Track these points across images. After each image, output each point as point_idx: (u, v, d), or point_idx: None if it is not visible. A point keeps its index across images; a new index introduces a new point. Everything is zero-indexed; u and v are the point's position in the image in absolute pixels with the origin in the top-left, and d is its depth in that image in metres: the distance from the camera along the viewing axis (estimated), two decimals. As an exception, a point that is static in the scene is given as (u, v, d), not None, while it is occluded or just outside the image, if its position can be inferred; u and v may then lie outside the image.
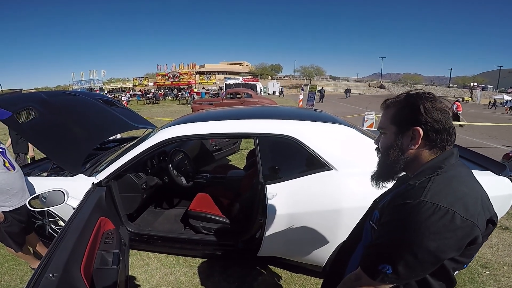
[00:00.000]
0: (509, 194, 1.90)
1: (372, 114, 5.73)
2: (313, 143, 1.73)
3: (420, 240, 0.61)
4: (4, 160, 1.83)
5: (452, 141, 0.75)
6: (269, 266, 2.24)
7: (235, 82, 29.02)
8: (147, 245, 2.21)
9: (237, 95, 12.85)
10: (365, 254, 0.77)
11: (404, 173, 0.81)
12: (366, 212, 0.94)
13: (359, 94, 43.40)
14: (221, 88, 29.16)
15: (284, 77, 67.00)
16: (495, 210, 0.72)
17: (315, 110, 2.47)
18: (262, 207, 1.74)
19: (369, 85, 57.79)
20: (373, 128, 4.87)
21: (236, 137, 2.73)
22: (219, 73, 51.16)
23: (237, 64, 69.30)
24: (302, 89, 26.55)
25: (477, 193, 0.68)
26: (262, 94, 29.62)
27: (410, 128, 0.73)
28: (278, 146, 1.83)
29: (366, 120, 5.61)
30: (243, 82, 29.27)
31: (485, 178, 1.86)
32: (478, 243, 0.65)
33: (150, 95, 24.72)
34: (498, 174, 1.94)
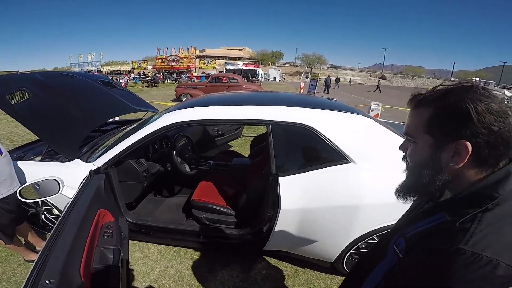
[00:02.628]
0: None
1: (378, 105, 5.58)
2: (330, 133, 1.60)
3: (449, 286, 0.52)
4: None
5: (509, 154, 0.57)
6: (274, 260, 2.17)
7: (235, 67, 28.55)
8: (147, 236, 2.11)
9: (223, 80, 12.63)
10: None
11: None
12: (391, 231, 0.81)
13: (359, 84, 42.95)
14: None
15: (285, 64, 66.22)
16: None
17: (328, 98, 2.33)
18: (273, 200, 1.63)
19: (370, 76, 57.20)
20: (378, 119, 4.74)
21: (248, 124, 2.60)
22: (220, 58, 50.42)
23: (237, 49, 68.18)
24: (306, 77, 24.86)
25: None
26: (263, 80, 29.22)
27: (454, 141, 0.56)
28: (292, 136, 1.70)
29: (372, 111, 5.47)
30: (244, 67, 28.79)
31: None
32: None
33: (148, 78, 24.20)
34: None
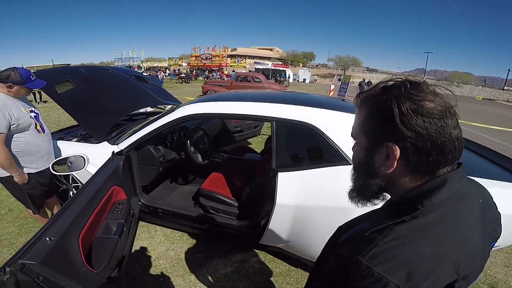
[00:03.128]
0: None
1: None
2: (333, 133, 1.62)
3: None
4: (36, 123, 1.94)
5: (448, 161, 0.52)
6: (270, 256, 2.24)
7: (264, 67, 28.73)
8: (156, 218, 2.30)
9: (247, 79, 13.07)
10: None
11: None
12: (332, 235, 0.78)
13: (396, 89, 40.59)
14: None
15: (316, 65, 64.97)
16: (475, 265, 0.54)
17: (342, 100, 2.34)
18: (271, 194, 1.70)
19: (409, 81, 53.80)
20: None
21: (252, 119, 2.70)
22: (250, 57, 51.04)
23: (267, 49, 68.29)
24: (339, 79, 23.44)
25: (452, 253, 0.50)
26: (291, 81, 29.00)
27: (383, 144, 0.53)
28: (295, 133, 1.75)
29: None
30: (272, 67, 28.83)
31: None
32: None
33: (182, 75, 25.41)
34: None
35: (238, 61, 39.08)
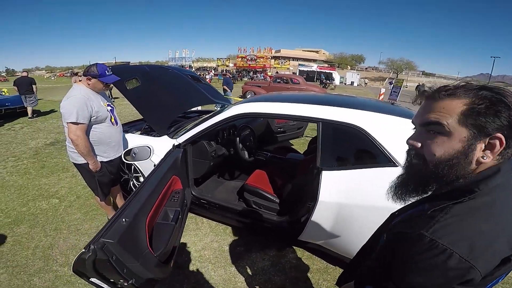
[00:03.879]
0: None
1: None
2: (380, 135, 1.62)
3: (404, 273, 0.56)
4: (111, 116, 2.13)
5: None
6: (307, 253, 2.26)
7: (309, 69, 28.23)
8: (204, 210, 2.48)
9: (285, 80, 13.15)
10: (360, 270, 0.76)
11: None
12: (384, 221, 0.82)
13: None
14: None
15: (366, 68, 61.54)
16: None
17: (392, 103, 2.26)
18: (314, 191, 1.75)
19: (473, 86, 47.57)
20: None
21: (299, 120, 2.74)
22: (294, 59, 50.51)
23: (313, 51, 66.71)
24: (390, 83, 21.35)
25: (503, 228, 0.55)
26: (337, 83, 28.01)
27: (492, 134, 0.54)
28: (341, 134, 1.77)
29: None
30: (318, 70, 28.17)
31: None
32: (474, 285, 0.54)
33: (229, 75, 26.49)
34: None
35: (282, 62, 39.13)
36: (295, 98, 2.28)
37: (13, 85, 7.54)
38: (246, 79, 28.83)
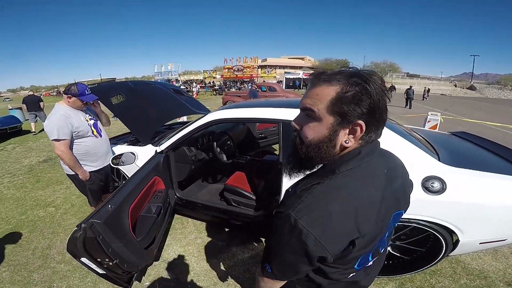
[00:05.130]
0: None
1: (437, 115, 5.14)
2: None
3: (281, 251, 0.61)
4: (92, 130, 2.27)
5: (379, 134, 0.64)
6: None
7: (295, 76, 28.96)
8: (188, 210, 2.69)
9: (263, 89, 14.17)
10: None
11: None
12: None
13: (440, 94, 37.72)
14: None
15: (351, 73, 63.03)
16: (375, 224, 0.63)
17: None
18: (278, 186, 1.97)
19: (455, 85, 49.57)
20: (436, 130, 4.44)
21: (262, 122, 3.03)
22: (280, 67, 51.42)
23: (299, 58, 68.13)
24: None
25: (352, 211, 0.58)
26: (323, 90, 28.76)
27: (355, 121, 0.59)
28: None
29: (429, 121, 5.06)
30: (304, 76, 28.91)
31: None
32: (328, 262, 0.61)
33: (216, 87, 26.88)
34: None
35: (268, 71, 39.81)
36: (260, 103, 2.55)
37: (22, 103, 8.40)
38: (233, 89, 29.31)
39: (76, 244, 1.13)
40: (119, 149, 2.80)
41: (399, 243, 2.05)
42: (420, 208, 1.72)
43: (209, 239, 2.64)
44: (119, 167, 2.54)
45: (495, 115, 15.52)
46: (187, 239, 2.64)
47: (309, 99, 0.62)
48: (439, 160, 1.83)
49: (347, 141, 0.61)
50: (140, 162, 2.27)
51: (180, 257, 2.39)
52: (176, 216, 2.97)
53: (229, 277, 2.15)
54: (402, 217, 1.73)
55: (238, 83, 32.70)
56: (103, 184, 2.47)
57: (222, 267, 2.27)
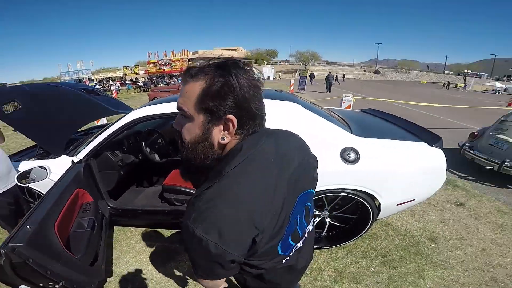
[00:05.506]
0: (442, 166, 2.11)
1: (350, 97, 5.97)
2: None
3: (194, 258, 0.60)
4: None
5: (259, 124, 0.62)
6: None
7: (227, 68, 28.82)
8: (128, 219, 2.48)
9: None
10: None
11: None
12: None
13: (354, 79, 43.29)
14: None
15: (280, 62, 66.63)
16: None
17: (276, 90, 2.68)
18: None
19: (364, 71, 57.62)
20: (350, 109, 5.12)
21: None
22: (213, 59, 50.41)
23: (231, 49, 68.17)
24: (299, 74, 22.25)
25: (244, 210, 0.56)
26: (256, 79, 29.58)
27: (224, 116, 0.57)
28: None
29: (344, 102, 5.84)
30: (236, 68, 29.04)
31: (421, 149, 2.11)
32: (238, 263, 0.60)
33: (140, 84, 24.57)
34: (432, 146, 2.14)
35: (200, 64, 38.56)
36: None
37: None
38: (161, 85, 27.40)
39: (5, 272, 1.02)
40: (25, 165, 2.35)
41: (335, 213, 2.29)
42: (343, 178, 1.96)
43: (160, 244, 2.49)
44: (30, 185, 2.15)
45: (394, 94, 18.90)
46: (135, 248, 2.45)
47: (181, 98, 0.60)
48: (351, 133, 2.11)
49: (224, 138, 0.59)
50: (55, 176, 1.94)
51: (136, 269, 2.21)
52: (117, 227, 2.71)
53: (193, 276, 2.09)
54: (331, 188, 2.01)
55: (166, 77, 30.75)
56: (14, 207, 2.15)
57: (184, 268, 2.19)
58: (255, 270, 0.68)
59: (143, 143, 2.56)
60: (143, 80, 27.63)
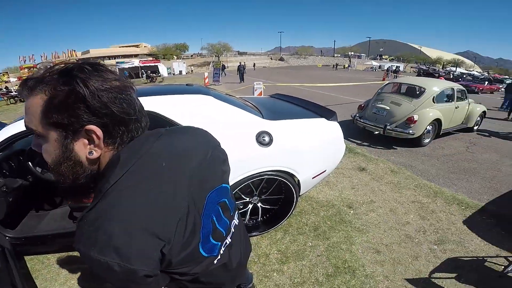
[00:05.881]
0: (339, 136, 2.50)
1: (260, 84, 6.36)
2: (171, 114, 1.88)
3: (109, 282, 0.52)
4: None
5: (138, 128, 0.57)
6: None
7: (130, 65, 26.07)
8: (38, 247, 2.16)
9: None
10: None
11: None
12: None
13: (263, 67, 45.95)
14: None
15: (191, 55, 64.28)
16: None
17: (186, 84, 2.63)
18: None
19: (271, 59, 61.84)
20: (262, 95, 5.46)
21: None
22: (111, 57, 44.79)
23: (133, 46, 61.50)
24: (213, 66, 22.26)
25: (136, 224, 0.50)
26: (166, 75, 27.88)
27: (82, 128, 0.51)
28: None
29: (256, 90, 6.19)
30: (141, 64, 26.60)
31: (320, 124, 2.46)
32: (155, 276, 0.53)
33: (13, 93, 19.30)
34: (329, 120, 2.51)
35: (40, 73, 33.74)
36: None
37: None
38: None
39: None
40: None
41: (264, 196, 2.41)
42: (262, 160, 2.08)
43: (85, 265, 2.14)
44: None
45: (297, 78, 21.10)
46: (62, 275, 2.11)
47: (26, 116, 0.52)
48: (263, 118, 2.27)
49: (92, 152, 0.53)
50: None
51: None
52: (29, 257, 2.29)
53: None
54: (255, 172, 2.09)
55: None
56: None
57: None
58: (188, 277, 0.65)
59: (29, 162, 2.10)
60: (18, 88, 21.82)
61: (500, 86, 19.69)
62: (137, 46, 62.21)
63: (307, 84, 12.49)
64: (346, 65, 46.87)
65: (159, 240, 0.52)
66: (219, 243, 0.71)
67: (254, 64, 40.04)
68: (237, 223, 0.81)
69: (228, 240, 0.75)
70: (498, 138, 5.92)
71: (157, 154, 0.58)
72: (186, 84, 2.63)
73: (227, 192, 0.77)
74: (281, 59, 60.85)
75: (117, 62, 29.41)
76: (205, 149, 0.70)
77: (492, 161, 4.59)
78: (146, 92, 2.09)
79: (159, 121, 1.88)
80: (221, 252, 0.71)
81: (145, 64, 26.81)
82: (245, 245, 0.87)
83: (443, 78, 12.40)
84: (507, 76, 39.68)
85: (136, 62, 27.77)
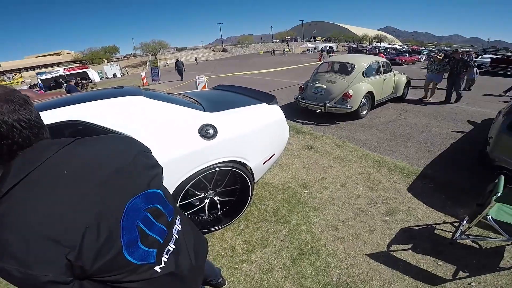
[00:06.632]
0: (282, 118, 2.56)
1: (202, 77, 6.17)
2: (100, 120, 1.73)
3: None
4: None
5: (20, 144, 0.58)
6: None
7: (54, 75, 22.93)
8: None
9: None
10: None
11: None
12: None
13: (206, 60, 44.76)
14: None
15: (124, 57, 59.10)
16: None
17: (115, 88, 2.41)
18: None
19: (213, 51, 60.42)
20: (206, 89, 5.33)
21: None
22: (28, 69, 38.83)
23: (53, 54, 54.00)
24: (150, 66, 20.79)
25: (32, 230, 0.51)
26: (99, 80, 25.37)
27: None
28: (67, 134, 1.69)
29: (199, 84, 5.99)
30: (67, 72, 23.55)
31: (262, 109, 2.49)
32: (65, 283, 0.54)
33: None
34: (270, 104, 2.57)
35: (9, 77, 28.66)
36: None
37: None
38: None
39: None
40: None
41: (219, 189, 2.35)
42: (210, 154, 2.03)
43: None
44: None
45: (240, 67, 21.14)
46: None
47: None
48: (205, 111, 2.21)
49: None
50: None
51: None
52: None
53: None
54: (204, 167, 2.03)
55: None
56: None
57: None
58: (124, 285, 0.63)
59: None
60: None
61: (419, 57, 22.12)
62: (58, 53, 54.82)
63: (250, 72, 12.61)
64: (286, 49, 48.39)
65: (62, 246, 0.52)
66: (154, 250, 0.69)
67: (196, 58, 38.60)
68: (180, 229, 0.79)
69: (171, 247, 0.73)
70: (423, 104, 6.60)
71: (58, 163, 0.59)
72: (115, 87, 2.41)
73: (158, 197, 0.74)
74: (224, 50, 59.96)
75: (37, 73, 25.41)
76: (124, 157, 0.70)
77: (423, 124, 5.07)
78: (69, 101, 1.85)
79: (88, 130, 1.70)
80: (164, 259, 0.70)
81: (71, 72, 23.76)
82: (198, 248, 0.85)
83: (382, 55, 13.00)
84: (423, 48, 45.65)
85: (61, 71, 24.42)
